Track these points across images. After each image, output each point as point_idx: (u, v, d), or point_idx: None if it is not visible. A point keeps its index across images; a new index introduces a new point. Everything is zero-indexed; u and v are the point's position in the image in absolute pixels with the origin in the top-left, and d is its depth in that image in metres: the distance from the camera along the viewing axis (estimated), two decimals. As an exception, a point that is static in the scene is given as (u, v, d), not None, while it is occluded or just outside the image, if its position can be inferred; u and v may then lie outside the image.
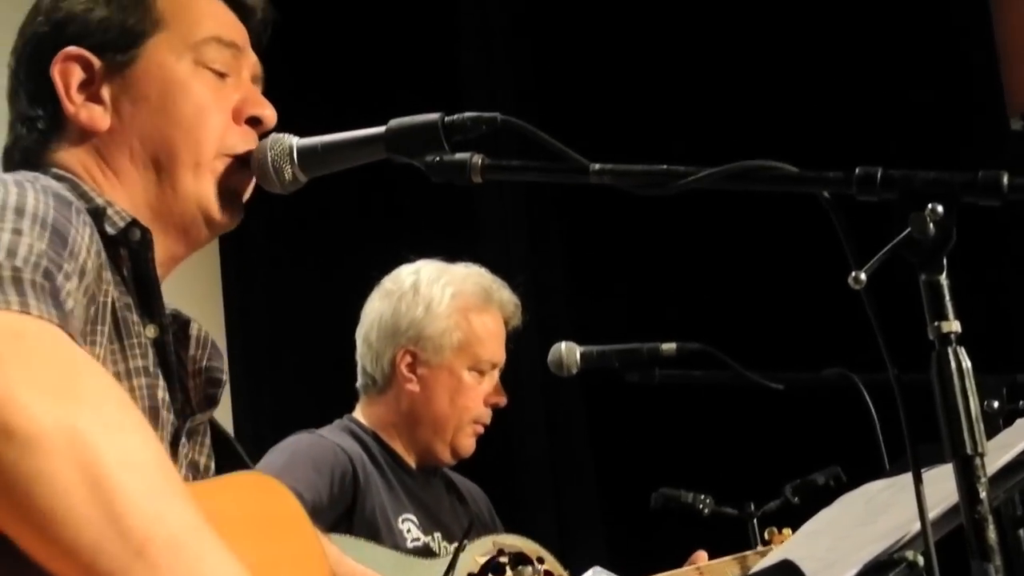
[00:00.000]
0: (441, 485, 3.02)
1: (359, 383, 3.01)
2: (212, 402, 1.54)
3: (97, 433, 1.10)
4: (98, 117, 1.53)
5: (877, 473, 2.21)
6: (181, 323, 1.55)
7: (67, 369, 1.14)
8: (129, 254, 1.44)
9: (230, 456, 1.55)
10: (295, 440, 2.85)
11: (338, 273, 4.31)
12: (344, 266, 4.30)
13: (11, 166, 1.55)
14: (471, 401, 2.93)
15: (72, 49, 1.53)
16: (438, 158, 1.52)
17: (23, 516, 1.09)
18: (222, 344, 4.12)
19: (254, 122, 1.59)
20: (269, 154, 1.58)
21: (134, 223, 1.46)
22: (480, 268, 3.04)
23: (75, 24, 1.54)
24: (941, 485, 1.48)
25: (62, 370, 1.13)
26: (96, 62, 1.54)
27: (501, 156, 1.54)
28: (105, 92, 1.53)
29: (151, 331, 1.44)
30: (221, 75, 1.58)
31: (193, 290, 3.75)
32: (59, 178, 1.49)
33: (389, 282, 2.99)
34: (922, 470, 1.39)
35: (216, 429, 1.57)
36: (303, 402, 4.16)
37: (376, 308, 2.97)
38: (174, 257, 1.57)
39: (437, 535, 2.89)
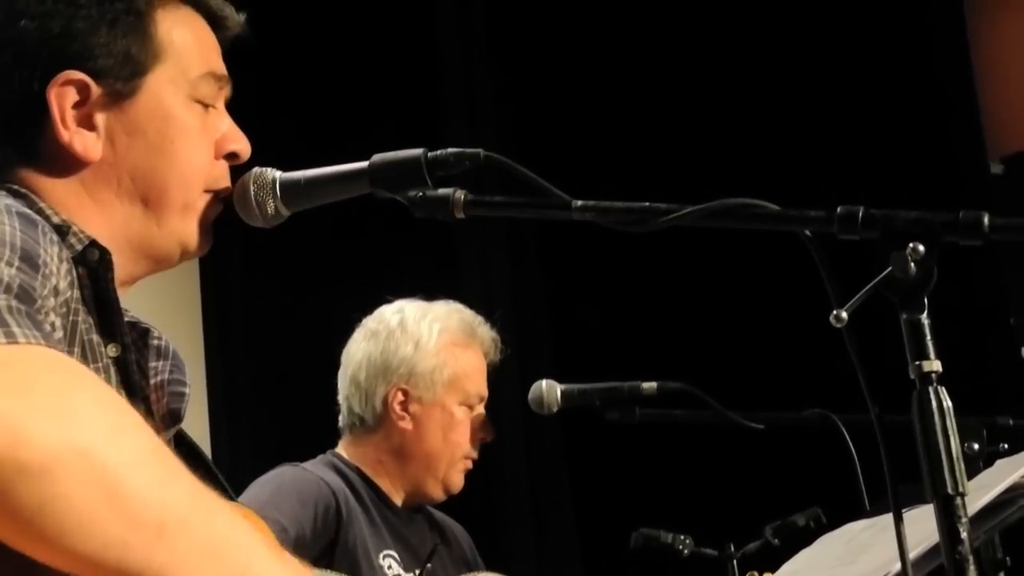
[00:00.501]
0: (424, 523, 3.01)
1: (343, 423, 2.99)
2: (176, 418, 1.52)
3: (100, 443, 1.14)
4: (91, 146, 1.47)
5: (858, 514, 2.21)
6: (140, 332, 1.52)
7: (59, 387, 1.15)
8: (88, 274, 1.41)
9: (199, 468, 1.52)
10: (279, 473, 2.84)
11: (318, 303, 4.30)
12: (324, 296, 4.29)
13: None
14: (462, 436, 2.94)
15: (75, 74, 1.46)
16: (421, 193, 1.52)
17: (49, 537, 1.13)
18: (201, 373, 4.14)
19: (230, 156, 1.57)
20: (252, 188, 1.57)
21: (92, 244, 1.42)
22: (459, 305, 3.05)
23: (77, 43, 1.46)
24: (922, 525, 1.48)
25: (55, 390, 1.15)
26: (95, 88, 1.47)
27: (483, 192, 1.54)
28: (99, 119, 1.48)
29: (112, 350, 1.42)
30: (206, 107, 1.56)
31: (173, 319, 3.74)
32: (15, 194, 1.44)
33: (373, 322, 2.99)
34: (903, 510, 1.38)
35: (184, 442, 1.55)
36: (282, 431, 4.14)
37: (363, 348, 2.96)
38: (135, 277, 1.54)
39: (418, 572, 2.87)
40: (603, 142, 4.43)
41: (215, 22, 1.59)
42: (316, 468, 2.89)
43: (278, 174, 1.58)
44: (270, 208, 1.57)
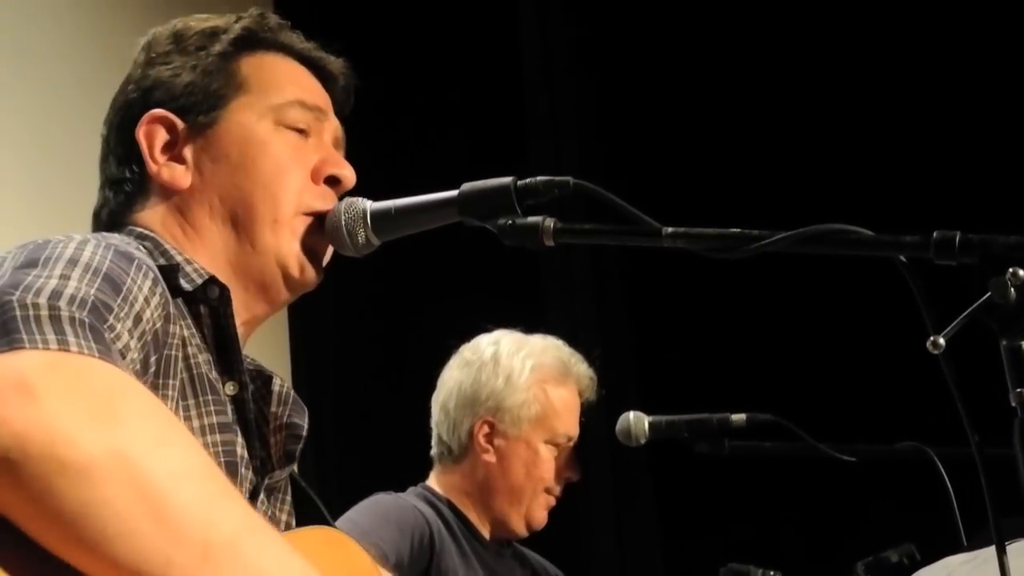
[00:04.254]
0: (514, 559, 3.01)
1: (433, 452, 3.02)
2: (291, 458, 1.55)
3: (144, 451, 1.13)
4: (179, 176, 1.57)
5: (953, 550, 2.16)
6: (264, 379, 1.57)
7: (106, 393, 1.16)
8: (208, 311, 1.46)
9: (311, 512, 1.55)
10: (376, 500, 2.87)
11: (402, 337, 4.33)
12: (408, 330, 4.32)
13: (98, 227, 1.60)
14: (546, 472, 2.95)
15: (157, 111, 1.58)
16: (510, 221, 1.53)
17: (87, 542, 1.12)
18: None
19: (333, 182, 1.61)
20: (343, 217, 1.60)
21: (212, 280, 1.48)
22: (558, 341, 3.06)
23: (161, 89, 1.59)
24: (1025, 558, 1.44)
25: (101, 395, 1.15)
26: (180, 124, 1.58)
27: (569, 220, 1.55)
28: (187, 152, 1.57)
29: (230, 388, 1.45)
30: (302, 133, 1.61)
31: (259, 352, 3.78)
32: (141, 236, 1.53)
33: (468, 351, 3.01)
34: (1005, 543, 1.35)
35: (297, 486, 1.58)
36: (367, 465, 4.16)
37: (455, 377, 2.99)
38: (256, 316, 1.60)
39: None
40: (688, 168, 4.40)
41: (315, 68, 1.66)
42: (409, 498, 2.91)
43: (369, 204, 1.61)
44: (361, 238, 1.60)
